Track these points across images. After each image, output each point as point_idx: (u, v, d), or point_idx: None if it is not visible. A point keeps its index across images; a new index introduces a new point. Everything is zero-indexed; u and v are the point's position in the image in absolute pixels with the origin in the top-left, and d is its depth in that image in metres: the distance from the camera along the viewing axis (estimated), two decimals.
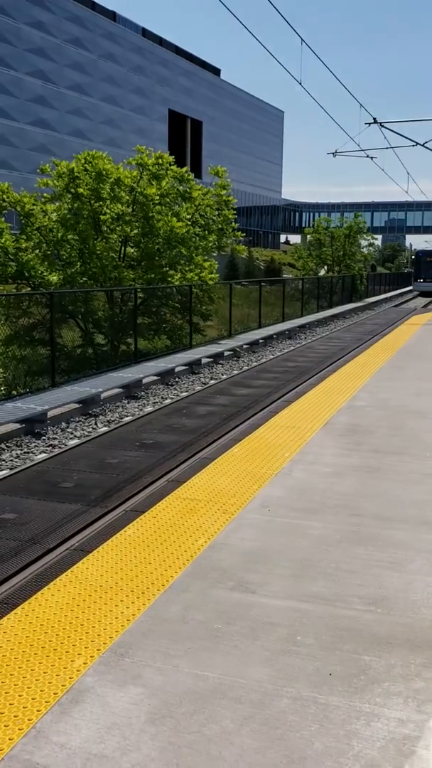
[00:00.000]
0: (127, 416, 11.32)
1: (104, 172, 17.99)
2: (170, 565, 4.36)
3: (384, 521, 5.16)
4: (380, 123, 27.17)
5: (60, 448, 9.28)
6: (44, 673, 3.24)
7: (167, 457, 8.32)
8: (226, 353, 18.01)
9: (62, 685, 3.14)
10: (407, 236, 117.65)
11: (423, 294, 55.72)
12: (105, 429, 10.30)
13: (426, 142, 28.04)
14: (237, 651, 3.42)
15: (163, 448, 8.76)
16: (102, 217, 18.15)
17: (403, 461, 6.75)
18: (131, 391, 13.04)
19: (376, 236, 60.27)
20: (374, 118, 27.13)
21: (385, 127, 27.46)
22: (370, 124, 26.92)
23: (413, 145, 27.49)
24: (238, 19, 13.20)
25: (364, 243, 52.92)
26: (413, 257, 66.63)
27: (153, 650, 3.43)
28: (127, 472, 7.73)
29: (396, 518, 5.22)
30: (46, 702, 3.02)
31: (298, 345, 21.09)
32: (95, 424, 10.87)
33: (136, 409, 11.88)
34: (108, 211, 18.20)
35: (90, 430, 10.49)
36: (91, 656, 3.37)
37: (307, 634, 3.58)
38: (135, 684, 3.15)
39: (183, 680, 3.18)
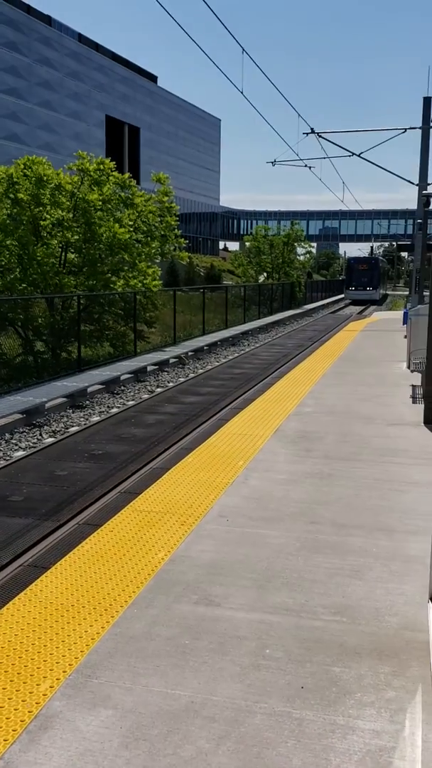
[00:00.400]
0: (73, 426, 11.12)
1: (44, 178, 17.73)
2: (132, 580, 4.28)
3: (341, 528, 5.19)
4: (318, 133, 27.61)
5: (5, 460, 9.04)
6: (9, 699, 3.12)
7: (118, 468, 8.20)
8: (171, 360, 17.93)
9: (29, 711, 3.03)
10: (341, 244, 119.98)
11: (355, 302, 54.01)
12: (51, 440, 10.09)
13: (362, 153, 28.64)
14: (207, 667, 3.37)
15: (114, 459, 8.63)
16: (42, 223, 17.86)
17: (355, 467, 6.82)
18: (76, 400, 12.83)
19: (312, 244, 60.63)
20: (312, 128, 27.54)
21: (323, 137, 27.92)
22: (308, 134, 27.31)
23: (349, 156, 28.02)
24: (181, 27, 13.20)
25: (301, 251, 53.74)
26: (345, 264, 65.26)
27: (121, 670, 3.35)
28: (77, 484, 7.58)
29: (352, 525, 5.27)
30: (13, 730, 2.90)
31: (242, 352, 21.19)
32: (40, 434, 10.64)
33: (82, 419, 11.69)
34: (48, 216, 17.92)
35: (35, 441, 10.26)
36: (57, 679, 3.27)
37: (276, 647, 3.56)
38: (105, 706, 3.07)
39: (154, 700, 3.11)
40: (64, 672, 3.32)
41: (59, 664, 3.39)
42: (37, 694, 3.15)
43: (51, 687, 3.20)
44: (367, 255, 73.38)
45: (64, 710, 3.04)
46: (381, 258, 73.42)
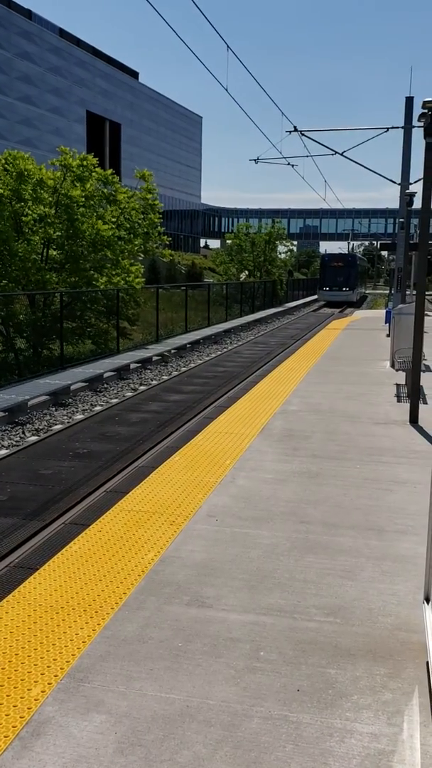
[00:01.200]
0: (56, 424, 11.02)
1: (26, 173, 17.56)
2: (122, 581, 4.22)
3: (331, 528, 5.17)
4: (301, 131, 27.63)
5: None
6: None
7: (103, 467, 8.12)
8: (154, 358, 17.85)
9: (21, 717, 2.96)
10: (321, 242, 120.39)
11: (330, 304, 48.15)
12: (35, 438, 9.98)
13: (344, 151, 28.71)
14: (201, 670, 3.33)
15: (98, 458, 8.55)
16: (24, 219, 17.68)
17: (343, 466, 6.81)
18: (59, 398, 12.71)
19: (293, 242, 60.27)
20: (295, 126, 27.54)
21: (306, 136, 27.96)
22: (291, 132, 27.32)
23: (332, 154, 28.09)
24: (167, 23, 13.13)
25: (283, 249, 53.79)
26: (318, 261, 57.87)
27: (114, 673, 3.29)
28: (62, 483, 7.50)
29: (343, 525, 5.25)
30: (5, 737, 2.84)
31: (225, 350, 21.15)
32: (23, 433, 10.52)
33: (66, 417, 11.58)
34: (30, 212, 17.74)
35: (18, 439, 10.15)
36: (48, 683, 3.20)
37: (270, 648, 3.52)
38: (99, 711, 3.01)
39: (149, 704, 3.06)
40: (55, 676, 3.26)
41: (50, 668, 3.32)
42: (29, 699, 3.09)
43: (42, 692, 3.14)
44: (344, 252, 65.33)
45: (57, 715, 2.98)
46: (359, 255, 67.55)
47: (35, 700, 3.08)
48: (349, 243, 71.23)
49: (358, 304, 49.89)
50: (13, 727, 2.90)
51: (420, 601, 3.90)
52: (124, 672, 3.30)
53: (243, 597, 4.06)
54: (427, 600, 3.60)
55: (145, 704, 3.06)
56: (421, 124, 8.34)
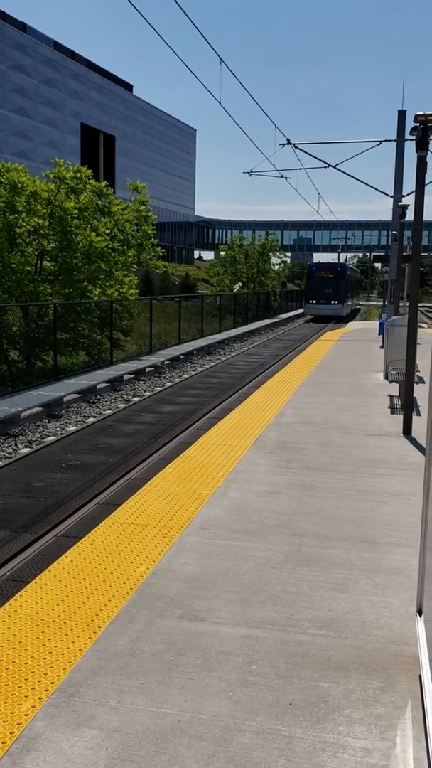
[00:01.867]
0: (49, 436, 10.99)
1: (20, 185, 17.59)
2: (114, 594, 4.19)
3: (324, 540, 5.16)
4: (294, 144, 27.80)
5: None
6: None
7: (96, 479, 8.10)
8: (147, 369, 17.84)
9: (10, 733, 2.93)
10: (315, 254, 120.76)
11: (317, 319, 43.69)
12: (27, 450, 9.95)
13: (337, 164, 28.89)
14: (193, 684, 3.31)
15: (91, 470, 8.52)
16: (18, 230, 17.70)
17: (336, 478, 6.81)
18: (52, 409, 12.68)
19: (287, 254, 60.04)
20: (288, 140, 27.70)
21: (299, 149, 28.12)
22: (284, 144, 27.48)
23: (325, 167, 28.25)
24: (161, 36, 13.21)
25: (276, 261, 53.95)
26: (305, 272, 51.65)
27: (105, 688, 3.26)
28: (55, 496, 7.47)
29: (335, 537, 5.24)
30: None
31: (219, 361, 21.16)
32: (16, 444, 10.49)
33: (59, 429, 11.55)
34: (24, 224, 17.77)
35: (11, 451, 10.11)
36: (39, 698, 3.18)
37: (262, 662, 3.50)
38: (89, 726, 2.98)
39: (140, 719, 3.04)
40: (46, 691, 3.23)
41: (41, 682, 3.30)
42: (19, 714, 3.06)
43: (33, 707, 3.11)
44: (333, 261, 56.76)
45: (47, 731, 2.95)
46: (351, 266, 61.99)
47: (25, 715, 3.05)
48: (338, 254, 66.80)
49: (347, 319, 44.63)
50: (3, 743, 2.87)
51: (413, 613, 3.89)
52: (116, 686, 3.28)
53: (235, 610, 4.04)
54: (420, 612, 3.60)
55: (136, 719, 3.04)
56: (414, 137, 8.41)
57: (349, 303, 49.38)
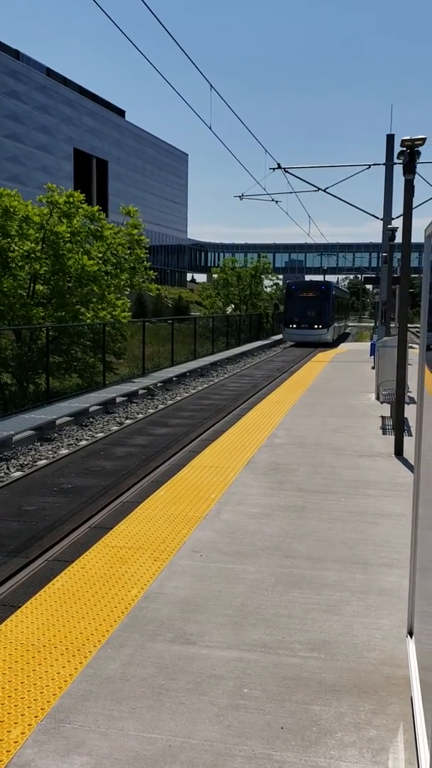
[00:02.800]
0: (41, 459, 10.95)
1: (11, 209, 17.69)
2: (105, 619, 4.17)
3: (316, 562, 5.15)
4: (284, 168, 28.13)
5: None
6: None
7: (88, 503, 8.06)
8: (140, 392, 17.84)
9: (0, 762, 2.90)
10: (306, 276, 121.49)
11: (299, 345, 37.74)
12: (19, 474, 9.91)
13: (327, 188, 29.21)
14: (184, 708, 3.29)
15: (83, 493, 8.49)
16: (10, 254, 17.78)
17: (328, 499, 6.81)
18: (44, 432, 12.65)
19: (279, 276, 60.30)
20: (278, 164, 28.03)
21: (289, 173, 28.45)
22: (274, 169, 27.79)
23: (315, 190, 28.55)
24: (151, 63, 13.42)
25: (268, 283, 54.30)
26: (284, 291, 45.37)
27: (95, 713, 3.24)
28: (46, 519, 7.43)
29: (327, 558, 5.23)
30: None
31: (211, 383, 21.19)
32: (7, 468, 10.45)
33: (51, 452, 11.52)
34: (17, 248, 17.86)
35: (2, 475, 10.07)
36: (28, 725, 3.15)
37: (253, 685, 3.48)
38: (79, 753, 2.96)
39: (130, 745, 3.01)
40: (35, 717, 3.21)
41: (31, 708, 3.27)
42: (8, 741, 3.03)
43: (22, 733, 3.08)
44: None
45: (36, 758, 2.92)
46: (337, 285, 54.70)
47: (14, 742, 3.03)
48: (323, 276, 58.97)
49: (334, 345, 37.60)
50: None
51: (404, 634, 3.88)
52: (106, 711, 3.25)
53: (227, 633, 4.02)
54: (410, 633, 3.59)
55: (126, 745, 3.01)
56: (401, 161, 8.54)
57: (337, 326, 43.83)
